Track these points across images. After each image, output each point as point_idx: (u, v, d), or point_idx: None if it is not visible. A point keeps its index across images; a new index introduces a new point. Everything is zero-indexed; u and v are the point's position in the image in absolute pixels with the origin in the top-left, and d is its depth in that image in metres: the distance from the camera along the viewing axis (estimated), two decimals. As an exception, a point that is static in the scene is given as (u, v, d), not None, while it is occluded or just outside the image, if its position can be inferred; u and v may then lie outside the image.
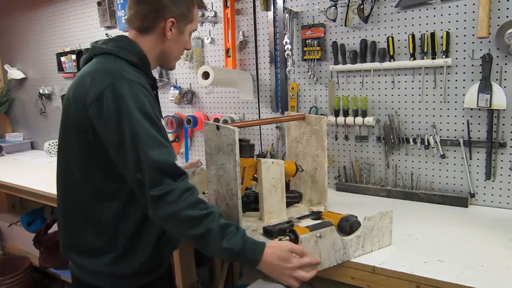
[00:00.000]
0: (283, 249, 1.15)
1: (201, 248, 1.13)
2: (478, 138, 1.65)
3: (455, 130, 1.70)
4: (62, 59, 3.04)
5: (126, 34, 1.30)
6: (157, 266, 1.32)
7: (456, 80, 1.67)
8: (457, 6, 1.62)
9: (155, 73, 2.53)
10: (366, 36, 1.84)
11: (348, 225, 1.31)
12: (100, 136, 1.12)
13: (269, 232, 1.37)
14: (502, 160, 1.63)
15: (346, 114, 1.92)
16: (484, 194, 1.68)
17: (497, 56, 1.57)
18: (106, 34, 2.76)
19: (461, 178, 1.72)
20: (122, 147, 1.10)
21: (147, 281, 1.29)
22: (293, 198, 1.64)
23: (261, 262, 1.13)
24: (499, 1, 1.54)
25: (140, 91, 1.12)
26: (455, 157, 1.72)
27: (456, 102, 1.68)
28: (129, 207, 1.20)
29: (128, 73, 1.14)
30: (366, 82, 1.87)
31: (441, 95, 1.71)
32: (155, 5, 1.22)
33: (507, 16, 1.53)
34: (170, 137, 2.55)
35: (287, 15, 1.99)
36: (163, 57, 1.31)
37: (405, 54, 1.75)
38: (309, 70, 2.00)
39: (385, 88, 1.84)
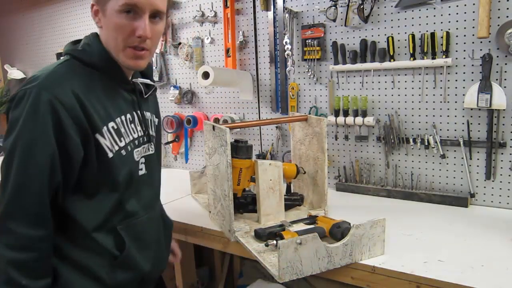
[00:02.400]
0: None
1: None
2: (478, 138, 1.65)
3: (455, 130, 1.70)
4: (62, 59, 3.04)
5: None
6: (131, 284, 1.15)
7: (456, 80, 1.67)
8: (457, 6, 1.62)
9: (155, 73, 2.53)
10: (366, 36, 1.84)
11: (339, 232, 1.28)
12: None
13: (259, 235, 1.37)
14: (502, 160, 1.63)
15: (346, 114, 1.92)
16: (484, 194, 1.68)
17: (497, 56, 1.57)
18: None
19: (461, 178, 1.72)
20: (4, 161, 0.99)
21: None
22: (294, 200, 1.64)
23: None
24: (499, 1, 1.54)
25: (51, 108, 0.96)
26: (455, 157, 1.72)
27: (456, 102, 1.68)
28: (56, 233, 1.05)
29: (54, 83, 0.99)
30: (366, 82, 1.87)
31: (441, 95, 1.71)
32: None
33: (507, 16, 1.53)
34: (170, 137, 2.55)
35: (287, 15, 1.99)
36: (111, 51, 1.09)
37: (405, 54, 1.75)
38: (309, 70, 2.00)
39: (385, 88, 1.84)
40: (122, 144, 1.10)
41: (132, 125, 1.15)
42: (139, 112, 1.18)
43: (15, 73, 3.53)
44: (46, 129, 0.96)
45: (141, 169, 1.18)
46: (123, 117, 1.11)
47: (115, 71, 1.11)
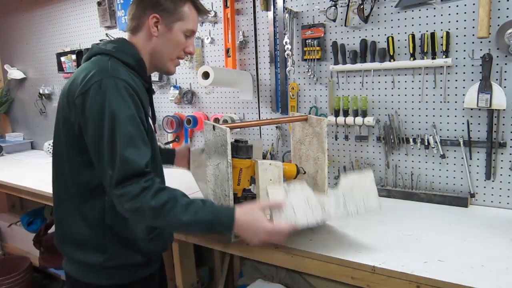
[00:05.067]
0: (254, 208, 1.22)
1: (182, 232, 1.24)
2: (478, 138, 1.65)
3: (455, 130, 1.70)
4: (62, 59, 3.04)
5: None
6: (148, 262, 1.33)
7: (456, 80, 1.67)
8: (457, 6, 1.63)
9: (155, 74, 2.53)
10: (366, 36, 1.84)
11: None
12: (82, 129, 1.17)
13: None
14: (502, 160, 1.63)
15: (346, 114, 1.92)
16: (484, 194, 1.68)
17: (497, 56, 1.57)
18: (106, 34, 2.76)
19: (461, 178, 1.72)
20: (99, 141, 1.12)
21: (138, 277, 1.31)
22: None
23: (235, 224, 1.18)
24: (499, 1, 1.54)
25: (125, 89, 1.14)
26: (455, 157, 1.72)
27: (456, 102, 1.68)
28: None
29: (118, 73, 1.16)
30: (366, 82, 1.87)
31: (441, 95, 1.71)
32: (138, 2, 1.28)
33: (507, 16, 1.53)
34: (170, 137, 2.55)
35: (287, 15, 1.99)
36: (155, 58, 1.32)
37: (405, 54, 1.75)
38: (309, 70, 2.00)
39: (385, 88, 1.84)
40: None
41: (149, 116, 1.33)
42: (150, 108, 1.37)
43: (15, 73, 3.53)
44: (133, 108, 1.14)
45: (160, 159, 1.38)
46: (148, 109, 1.30)
47: (142, 71, 1.29)
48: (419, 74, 1.74)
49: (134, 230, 1.26)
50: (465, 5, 1.61)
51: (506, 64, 1.56)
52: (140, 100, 1.19)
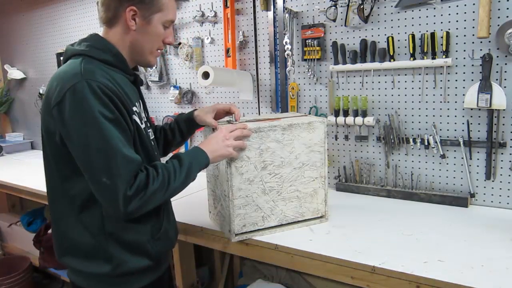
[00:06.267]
0: (217, 134, 1.34)
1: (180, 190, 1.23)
2: (478, 138, 1.65)
3: (455, 130, 1.70)
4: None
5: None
6: (155, 265, 1.30)
7: (456, 80, 1.67)
8: (457, 6, 1.63)
9: (155, 73, 2.53)
10: (366, 36, 1.84)
11: None
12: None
13: None
14: (502, 160, 1.63)
15: (346, 114, 1.92)
16: (484, 194, 1.68)
17: (497, 56, 1.57)
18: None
19: (461, 178, 1.72)
20: (86, 150, 1.08)
21: (148, 281, 1.28)
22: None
23: (210, 159, 1.29)
24: (499, 1, 1.54)
25: (101, 91, 1.08)
26: (455, 157, 1.72)
27: (456, 102, 1.68)
28: None
29: (92, 74, 1.10)
30: (366, 82, 1.87)
31: (441, 95, 1.71)
32: None
33: (507, 16, 1.53)
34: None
35: (287, 15, 1.99)
36: (135, 51, 1.25)
37: (405, 54, 1.75)
38: (309, 70, 2.00)
39: (385, 88, 1.84)
40: (143, 126, 1.25)
41: (141, 111, 1.28)
42: (141, 100, 1.33)
43: (15, 73, 3.53)
44: (112, 110, 1.09)
45: (155, 151, 1.33)
46: (137, 103, 1.25)
47: (123, 65, 1.23)
48: (419, 74, 1.74)
49: (138, 232, 1.23)
50: (465, 5, 1.61)
51: (506, 64, 1.56)
52: (120, 98, 1.13)
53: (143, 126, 1.24)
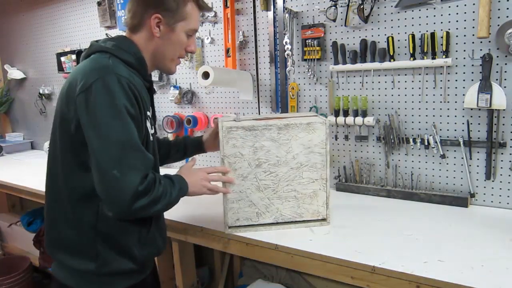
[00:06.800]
0: (197, 172, 1.37)
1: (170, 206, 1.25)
2: (478, 138, 1.65)
3: (455, 130, 1.70)
4: (62, 59, 3.04)
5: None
6: (140, 269, 1.29)
7: (456, 80, 1.67)
8: (457, 6, 1.63)
9: (155, 74, 2.53)
10: (366, 36, 1.84)
11: None
12: (81, 128, 1.11)
13: None
14: (502, 160, 1.63)
15: (346, 114, 1.92)
16: (484, 194, 1.68)
17: (497, 56, 1.57)
18: (106, 34, 2.76)
19: (461, 178, 1.72)
20: (105, 140, 1.08)
21: (130, 283, 1.27)
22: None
23: (188, 192, 1.31)
24: (499, 1, 1.54)
25: (129, 87, 1.12)
26: (455, 157, 1.72)
27: (456, 102, 1.68)
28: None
29: (120, 70, 1.14)
30: (366, 82, 1.87)
31: (441, 95, 1.71)
32: (140, 0, 1.24)
33: (507, 16, 1.53)
34: (170, 137, 2.55)
35: (287, 15, 1.99)
36: (157, 58, 1.29)
37: (405, 54, 1.75)
38: (309, 70, 2.00)
39: (385, 88, 1.84)
40: (152, 131, 1.28)
41: (151, 118, 1.31)
42: (151, 108, 1.35)
43: (15, 73, 3.53)
44: (132, 102, 1.12)
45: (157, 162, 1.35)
46: (150, 109, 1.29)
47: (143, 70, 1.27)
48: (419, 74, 1.74)
49: (126, 235, 1.22)
50: (465, 5, 1.61)
51: (506, 64, 1.56)
52: (141, 100, 1.17)
53: (152, 131, 1.27)
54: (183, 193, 1.29)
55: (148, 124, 1.23)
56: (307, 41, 1.98)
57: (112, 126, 1.08)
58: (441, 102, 1.72)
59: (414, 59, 1.72)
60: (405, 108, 1.80)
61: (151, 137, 1.25)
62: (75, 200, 1.19)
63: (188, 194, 1.32)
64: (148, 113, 1.25)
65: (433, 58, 1.68)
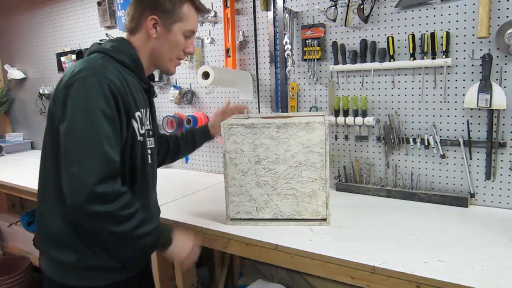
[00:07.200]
0: (190, 244, 1.32)
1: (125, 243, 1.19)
2: (478, 138, 1.65)
3: (455, 130, 1.70)
4: (62, 59, 3.04)
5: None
6: (122, 268, 1.27)
7: (456, 80, 1.67)
8: (457, 6, 1.63)
9: (155, 74, 2.53)
10: (366, 36, 1.84)
11: None
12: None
13: None
14: (502, 160, 1.63)
15: (346, 114, 1.92)
16: (484, 194, 1.68)
17: (497, 56, 1.57)
18: (106, 34, 2.76)
19: (461, 178, 1.72)
20: (71, 136, 1.10)
21: (111, 281, 1.26)
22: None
23: (171, 250, 1.27)
24: (499, 1, 1.54)
25: (109, 89, 1.12)
26: (455, 157, 1.72)
27: (456, 102, 1.68)
28: None
29: (106, 71, 1.15)
30: (366, 82, 1.87)
31: (441, 95, 1.71)
32: (137, 3, 1.27)
33: (507, 16, 1.53)
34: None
35: (287, 15, 1.99)
36: (155, 58, 1.31)
37: (405, 54, 1.75)
38: (309, 70, 2.00)
39: (385, 88, 1.84)
40: (142, 131, 1.26)
41: (145, 118, 1.30)
42: (149, 109, 1.34)
43: (15, 73, 3.53)
44: (111, 107, 1.12)
45: (150, 160, 1.33)
46: (143, 110, 1.27)
47: (139, 71, 1.28)
48: (419, 74, 1.74)
49: None
50: (465, 5, 1.61)
51: (506, 64, 1.56)
52: (125, 100, 1.17)
53: (142, 132, 1.25)
54: (155, 242, 1.23)
55: (136, 125, 1.22)
56: (307, 41, 1.98)
57: (79, 124, 1.09)
58: (441, 102, 1.72)
59: (414, 59, 1.72)
60: (405, 108, 1.80)
61: (139, 137, 1.24)
62: (61, 193, 1.17)
63: (169, 253, 1.27)
64: (138, 114, 1.23)
65: (433, 58, 1.68)
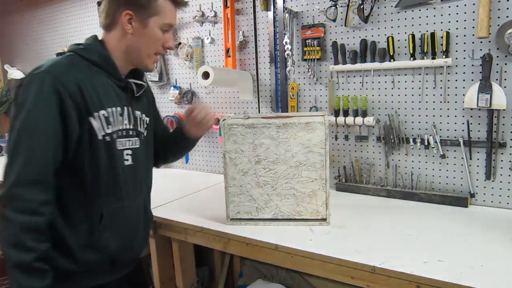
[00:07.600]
0: None
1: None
2: (478, 138, 1.65)
3: (455, 130, 1.70)
4: (62, 59, 3.04)
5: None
6: (83, 273, 1.21)
7: (456, 80, 1.67)
8: (457, 6, 1.63)
9: (155, 73, 2.53)
10: (366, 36, 1.84)
11: None
12: None
13: None
14: (502, 160, 1.63)
15: (346, 114, 1.92)
16: (484, 194, 1.68)
17: (497, 56, 1.57)
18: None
19: (461, 178, 1.72)
20: (11, 132, 1.11)
21: (75, 286, 1.22)
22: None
23: None
24: (499, 1, 1.54)
25: (53, 87, 1.09)
26: (455, 157, 1.72)
27: (456, 102, 1.68)
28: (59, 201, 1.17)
29: (58, 70, 1.13)
30: (366, 82, 1.87)
31: (441, 95, 1.71)
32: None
33: (507, 16, 1.53)
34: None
35: (287, 15, 1.99)
36: (132, 55, 1.26)
37: (405, 54, 1.75)
38: (309, 70, 2.00)
39: (385, 88, 1.84)
40: (108, 131, 1.20)
41: (121, 117, 1.25)
42: (129, 108, 1.29)
43: (15, 73, 3.53)
44: (51, 107, 1.10)
45: (127, 160, 1.27)
46: (113, 109, 1.22)
47: (111, 69, 1.24)
48: (419, 74, 1.74)
49: (63, 232, 1.17)
50: (465, 5, 1.61)
51: (506, 64, 1.56)
52: (77, 99, 1.12)
53: (108, 131, 1.19)
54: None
55: (96, 124, 1.17)
56: (307, 41, 1.98)
57: (17, 122, 1.10)
58: (441, 102, 1.72)
59: (414, 59, 1.72)
60: (405, 108, 1.80)
61: (99, 137, 1.18)
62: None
63: None
64: (103, 113, 1.18)
65: (433, 58, 1.68)
